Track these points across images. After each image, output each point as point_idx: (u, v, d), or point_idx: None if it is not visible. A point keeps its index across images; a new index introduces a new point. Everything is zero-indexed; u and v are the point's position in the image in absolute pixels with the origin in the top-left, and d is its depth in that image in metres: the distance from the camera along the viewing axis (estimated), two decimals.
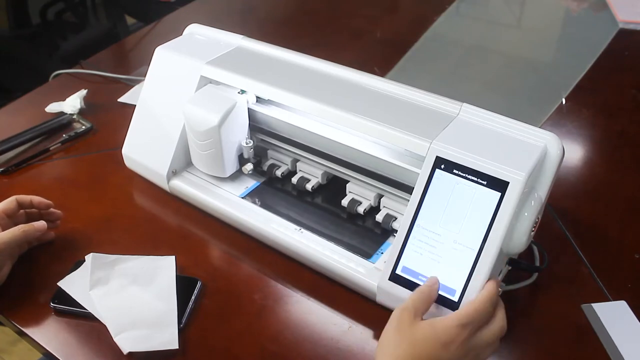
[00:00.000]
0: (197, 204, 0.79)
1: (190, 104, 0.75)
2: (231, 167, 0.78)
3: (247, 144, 0.77)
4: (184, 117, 0.75)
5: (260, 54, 0.80)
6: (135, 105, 0.84)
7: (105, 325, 0.63)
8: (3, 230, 0.68)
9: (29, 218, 0.73)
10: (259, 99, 0.79)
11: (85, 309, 0.65)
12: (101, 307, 0.64)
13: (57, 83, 1.13)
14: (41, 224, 0.70)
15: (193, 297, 0.66)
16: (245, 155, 0.79)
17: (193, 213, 0.80)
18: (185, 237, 0.77)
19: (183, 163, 0.82)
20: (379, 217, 0.71)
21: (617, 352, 0.60)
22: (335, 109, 0.68)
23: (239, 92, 0.76)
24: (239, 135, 0.77)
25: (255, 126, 0.80)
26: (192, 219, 0.79)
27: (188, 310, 0.65)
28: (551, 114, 1.01)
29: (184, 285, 0.67)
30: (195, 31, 0.87)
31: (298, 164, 0.79)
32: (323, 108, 0.68)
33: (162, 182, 0.82)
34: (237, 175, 0.82)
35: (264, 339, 0.63)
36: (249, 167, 0.79)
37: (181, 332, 0.63)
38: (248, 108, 0.77)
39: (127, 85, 1.10)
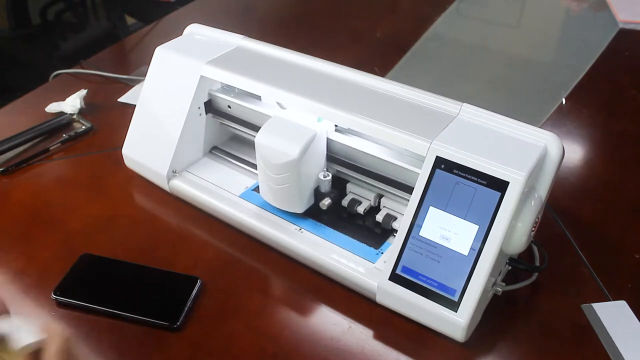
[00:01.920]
0: (197, 204, 0.79)
1: (264, 134, 0.69)
2: (307, 201, 0.73)
3: (324, 177, 0.72)
4: (256, 149, 0.70)
5: (260, 54, 0.80)
6: (135, 105, 0.84)
7: (104, 326, 0.63)
8: None
9: None
10: (259, 97, 0.79)
11: (88, 304, 0.65)
12: None
13: (57, 83, 1.13)
14: None
15: (192, 296, 0.66)
16: (323, 190, 0.73)
17: (193, 213, 0.80)
18: (185, 237, 0.77)
19: (183, 163, 0.82)
20: (379, 217, 0.71)
21: (617, 352, 0.60)
22: (335, 109, 0.68)
23: (316, 121, 0.70)
24: (316, 168, 0.72)
25: (258, 127, 0.80)
26: (192, 219, 0.79)
27: (186, 308, 0.65)
28: (551, 114, 1.01)
29: (183, 284, 0.67)
30: (195, 31, 0.87)
31: None
32: (323, 108, 0.68)
33: (162, 182, 0.82)
34: (237, 175, 0.82)
35: (264, 339, 0.63)
36: (326, 202, 0.72)
37: (180, 331, 0.63)
38: (327, 138, 0.72)
39: (127, 85, 1.10)
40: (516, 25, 1.43)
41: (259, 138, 0.69)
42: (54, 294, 0.66)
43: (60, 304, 0.66)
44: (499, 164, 0.58)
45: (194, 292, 0.67)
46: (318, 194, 0.73)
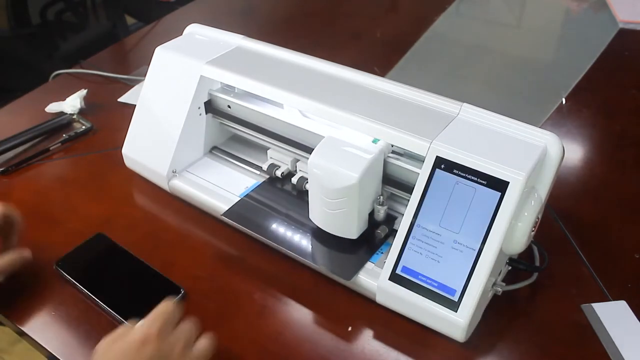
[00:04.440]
0: (197, 204, 0.79)
1: (319, 156, 0.65)
2: (361, 227, 0.69)
3: (380, 203, 0.68)
4: (309, 171, 0.66)
5: (260, 54, 0.80)
6: (135, 105, 0.84)
7: (104, 326, 0.63)
8: None
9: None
10: (260, 97, 0.79)
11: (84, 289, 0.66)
12: None
13: (57, 83, 1.13)
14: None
15: None
16: (377, 217, 0.69)
17: (193, 213, 0.80)
18: (185, 237, 0.77)
19: (183, 163, 0.82)
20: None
21: (617, 352, 0.60)
22: (335, 108, 0.68)
23: (371, 142, 0.67)
24: (373, 193, 0.68)
25: (258, 126, 0.80)
26: (192, 219, 0.79)
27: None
28: (551, 114, 1.01)
29: (166, 290, 0.67)
30: (195, 31, 0.87)
31: (298, 163, 0.79)
32: (323, 108, 0.68)
33: (162, 182, 0.82)
34: (237, 175, 0.82)
35: (264, 339, 0.63)
36: (382, 230, 0.69)
37: None
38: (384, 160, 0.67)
39: (127, 85, 1.10)
40: (516, 25, 1.43)
41: (313, 159, 0.65)
42: (57, 264, 0.69)
43: (58, 275, 0.69)
44: (499, 164, 0.58)
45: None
46: (373, 221, 0.69)
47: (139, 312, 0.63)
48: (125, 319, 0.63)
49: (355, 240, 0.69)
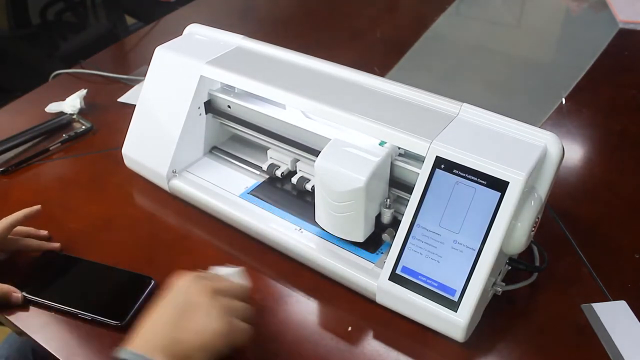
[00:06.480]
0: (197, 204, 0.79)
1: (325, 160, 0.65)
2: (368, 230, 0.68)
3: (387, 206, 0.68)
4: (316, 174, 0.66)
5: (260, 54, 0.80)
6: (135, 105, 0.84)
7: (104, 326, 0.63)
8: None
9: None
10: (260, 97, 0.79)
11: (56, 304, 0.66)
12: None
13: (57, 83, 1.13)
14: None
15: (143, 296, 0.66)
16: (384, 220, 0.69)
17: (193, 213, 0.80)
18: (185, 237, 0.77)
19: (183, 163, 0.82)
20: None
21: (617, 352, 0.60)
22: (335, 108, 0.68)
23: (378, 144, 0.66)
24: (380, 196, 0.68)
25: (258, 126, 0.80)
26: (192, 219, 0.79)
27: (135, 308, 0.65)
28: (551, 114, 1.01)
29: (137, 283, 0.68)
30: (195, 31, 0.87)
31: (298, 163, 0.79)
32: (323, 108, 0.68)
33: (162, 182, 0.82)
34: (237, 175, 0.82)
35: (264, 339, 0.63)
36: (389, 234, 0.67)
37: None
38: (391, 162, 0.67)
39: (127, 85, 1.10)
40: (516, 25, 1.43)
41: (320, 162, 0.65)
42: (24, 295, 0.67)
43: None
44: (499, 164, 0.58)
45: (146, 292, 0.67)
46: (379, 225, 0.69)
47: (123, 309, 0.65)
48: (113, 319, 0.64)
49: (361, 243, 0.69)
